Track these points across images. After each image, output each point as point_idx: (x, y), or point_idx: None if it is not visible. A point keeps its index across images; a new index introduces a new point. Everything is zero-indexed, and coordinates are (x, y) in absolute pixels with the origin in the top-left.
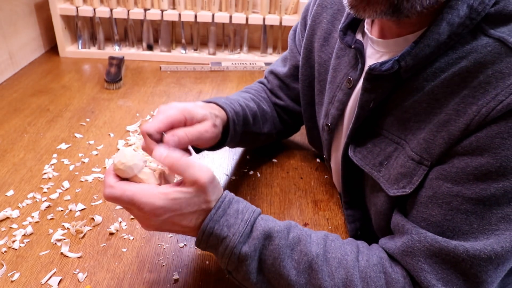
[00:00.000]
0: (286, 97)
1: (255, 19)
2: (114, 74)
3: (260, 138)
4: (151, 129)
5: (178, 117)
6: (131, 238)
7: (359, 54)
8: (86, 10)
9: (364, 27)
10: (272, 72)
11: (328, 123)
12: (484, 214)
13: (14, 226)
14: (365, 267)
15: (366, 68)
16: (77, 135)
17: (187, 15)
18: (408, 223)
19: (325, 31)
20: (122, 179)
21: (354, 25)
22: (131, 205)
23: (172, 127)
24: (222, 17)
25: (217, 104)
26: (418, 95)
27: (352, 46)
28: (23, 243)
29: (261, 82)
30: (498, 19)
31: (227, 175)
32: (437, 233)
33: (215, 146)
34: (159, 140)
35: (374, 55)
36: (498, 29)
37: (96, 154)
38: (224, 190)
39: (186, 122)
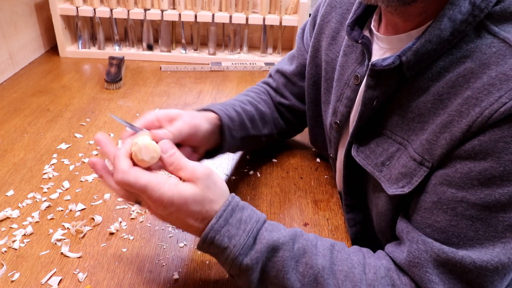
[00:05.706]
0: (291, 95)
1: (255, 19)
2: (114, 74)
3: (261, 140)
4: (163, 135)
5: (188, 132)
6: (131, 238)
7: (366, 49)
8: (86, 10)
9: (371, 24)
10: (278, 71)
11: (337, 120)
12: (489, 220)
13: (14, 226)
14: (372, 280)
15: None
16: (77, 135)
17: (187, 15)
18: (414, 231)
19: (333, 30)
20: (135, 165)
21: (361, 21)
22: (141, 193)
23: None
24: (222, 17)
25: (213, 111)
26: (423, 95)
27: (359, 41)
28: (23, 243)
29: (265, 83)
30: (503, 17)
31: (227, 175)
32: (442, 239)
33: (213, 152)
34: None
35: (378, 52)
36: (503, 27)
37: (96, 154)
38: None
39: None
